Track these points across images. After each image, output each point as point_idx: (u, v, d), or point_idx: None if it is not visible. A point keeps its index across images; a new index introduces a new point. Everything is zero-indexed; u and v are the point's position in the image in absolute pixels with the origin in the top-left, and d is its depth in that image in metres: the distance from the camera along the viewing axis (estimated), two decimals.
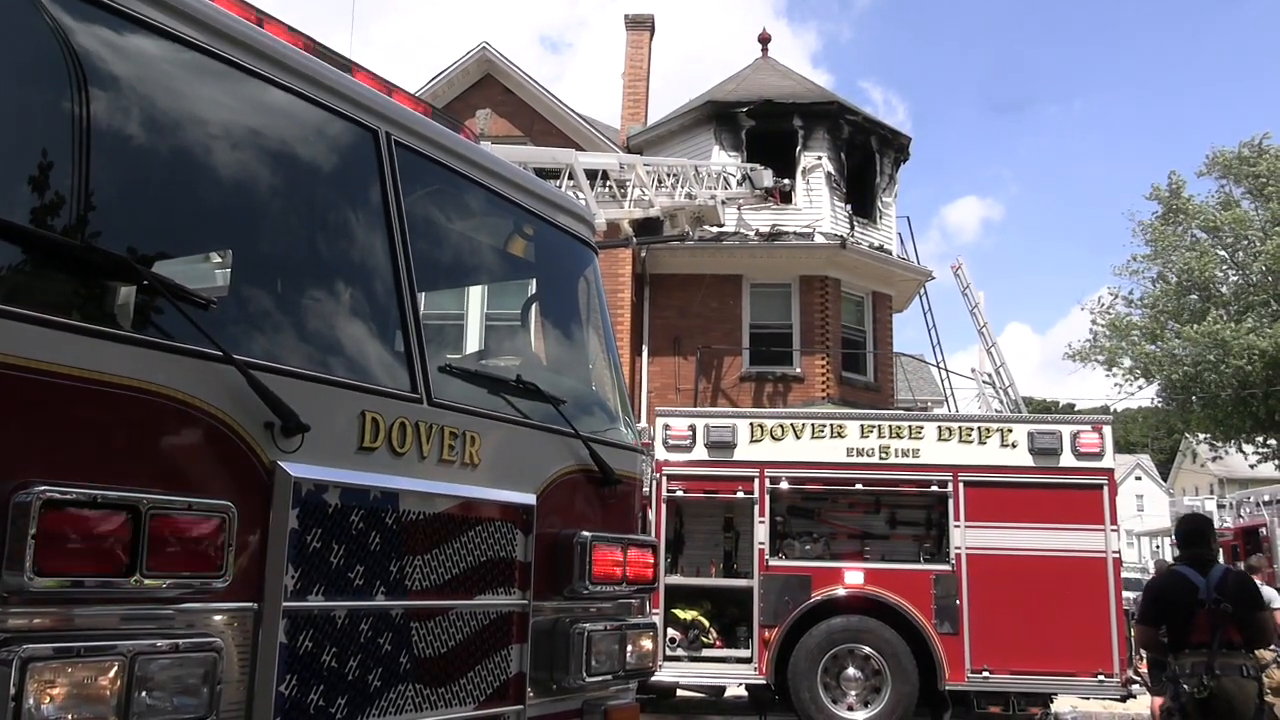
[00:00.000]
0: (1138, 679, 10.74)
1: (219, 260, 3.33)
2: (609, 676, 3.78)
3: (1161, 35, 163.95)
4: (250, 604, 2.60)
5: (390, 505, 3.00)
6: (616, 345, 5.06)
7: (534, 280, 4.89)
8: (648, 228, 19.77)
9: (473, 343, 9.73)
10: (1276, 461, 42.21)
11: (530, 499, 3.56)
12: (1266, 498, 23.73)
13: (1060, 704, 10.57)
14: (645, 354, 20.64)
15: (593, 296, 4.65)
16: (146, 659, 2.27)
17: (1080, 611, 10.60)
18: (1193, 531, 6.32)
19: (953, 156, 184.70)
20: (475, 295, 12.46)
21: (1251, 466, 46.48)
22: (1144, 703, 10.93)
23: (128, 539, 2.28)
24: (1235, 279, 39.75)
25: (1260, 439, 41.05)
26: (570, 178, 15.45)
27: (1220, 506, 26.11)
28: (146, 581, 2.31)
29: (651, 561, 4.13)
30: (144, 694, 2.25)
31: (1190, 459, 68.66)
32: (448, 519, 3.21)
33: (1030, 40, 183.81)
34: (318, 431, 2.79)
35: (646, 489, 10.67)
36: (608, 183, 17.20)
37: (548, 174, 14.13)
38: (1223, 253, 39.67)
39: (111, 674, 2.20)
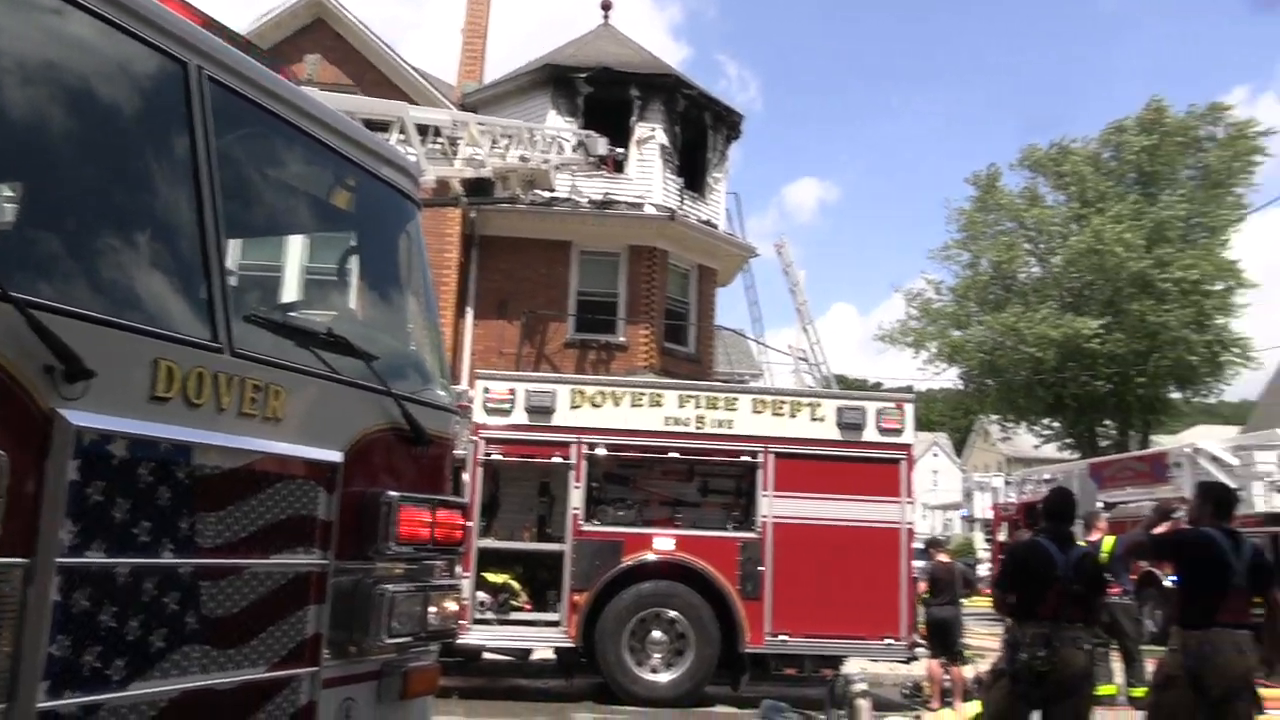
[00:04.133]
0: (921, 643, 11.41)
1: (4, 193, 3.09)
2: (409, 638, 3.74)
3: (1006, 28, 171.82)
4: (21, 559, 2.44)
5: (183, 459, 2.87)
6: (438, 305, 4.99)
7: (354, 233, 4.74)
8: (478, 188, 19.45)
9: (287, 294, 9.38)
10: (1058, 443, 45.43)
11: (336, 456, 3.47)
12: (1047, 476, 25.55)
13: (850, 666, 11.10)
14: (470, 316, 20.39)
15: (414, 253, 4.55)
16: None
17: (874, 579, 11.18)
18: (1059, 506, 6.53)
19: (797, 137, 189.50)
20: (292, 246, 12.03)
21: (1036, 447, 49.89)
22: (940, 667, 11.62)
23: None
24: (1036, 271, 42.37)
25: (1046, 421, 44.09)
26: (400, 131, 15.05)
27: (1007, 483, 27.93)
28: None
29: (460, 523, 4.10)
30: None
31: (983, 438, 73.18)
32: (246, 475, 3.10)
33: (885, 28, 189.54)
34: (105, 378, 2.63)
35: (462, 451, 10.59)
36: (439, 139, 16.82)
37: (377, 126, 13.70)
38: (1027, 245, 42.21)
39: None
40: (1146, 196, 39.93)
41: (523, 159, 18.08)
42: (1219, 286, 38.70)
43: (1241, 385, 66.98)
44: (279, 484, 3.23)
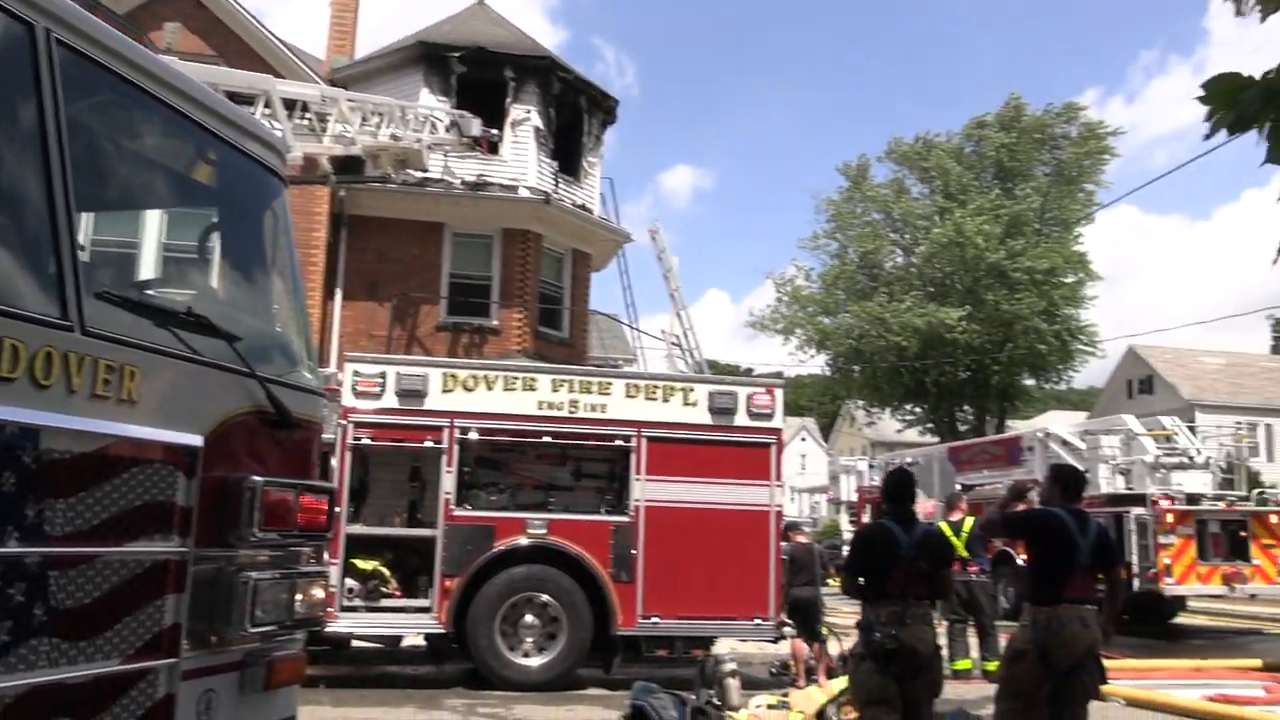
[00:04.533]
0: (789, 622, 11.69)
1: None
2: (274, 627, 3.64)
3: (879, 21, 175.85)
4: None
5: (29, 442, 2.72)
6: (305, 285, 4.85)
7: (216, 210, 4.57)
8: (348, 166, 19.01)
9: (145, 272, 8.99)
10: (920, 427, 47.10)
11: (196, 440, 3.34)
12: (909, 459, 26.41)
13: (721, 646, 11.29)
14: (338, 297, 19.92)
15: (280, 232, 4.42)
16: None
17: (743, 560, 11.38)
18: (900, 487, 6.65)
19: (673, 124, 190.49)
20: (150, 221, 11.53)
21: (899, 431, 51.66)
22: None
23: None
24: (900, 262, 43.75)
25: (908, 407, 45.66)
26: (266, 106, 14.58)
27: (871, 466, 28.76)
28: None
29: (327, 509, 4.01)
30: None
31: (849, 423, 75.30)
32: (99, 459, 2.96)
33: (761, 18, 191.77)
34: None
35: (330, 436, 10.36)
36: (307, 115, 16.36)
37: (241, 100, 13.25)
38: (893, 235, 43.53)
39: None
40: (1005, 191, 41.66)
41: (394, 138, 17.73)
42: (1069, 279, 40.66)
43: (1089, 373, 70.57)
44: (134, 469, 3.10)
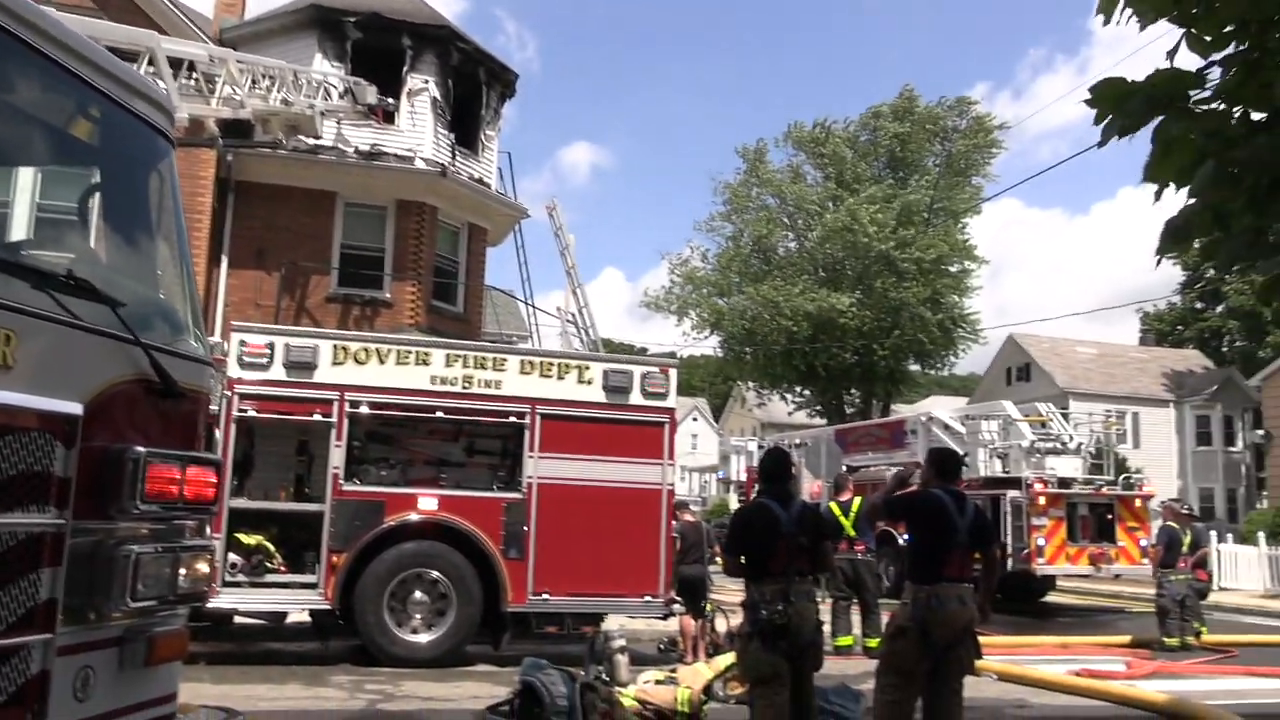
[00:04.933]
0: (678, 600, 11.83)
1: None
2: (155, 601, 3.53)
3: (780, 4, 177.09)
4: None
5: None
6: (191, 251, 4.68)
7: (98, 169, 4.38)
8: (236, 130, 18.43)
9: (18, 232, 8.57)
10: (809, 409, 48.02)
11: (75, 408, 3.21)
12: (798, 440, 26.93)
13: (610, 622, 11.36)
14: (224, 265, 19.32)
15: (166, 195, 4.25)
16: None
17: (635, 538, 11.46)
18: (776, 466, 6.76)
19: (573, 100, 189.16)
20: (25, 179, 10.99)
21: (790, 414, 52.54)
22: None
23: None
24: (793, 247, 44.43)
25: (799, 390, 46.50)
26: (150, 64, 14.00)
27: (760, 447, 29.16)
28: None
29: (213, 482, 3.89)
30: None
31: (740, 404, 76.26)
32: None
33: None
34: None
35: (215, 407, 10.07)
36: (194, 76, 15.77)
37: (124, 56, 12.69)
38: (787, 220, 44.16)
39: None
40: (897, 180, 42.61)
41: (285, 102, 17.24)
42: (955, 268, 41.88)
43: (970, 359, 72.83)
44: (8, 437, 2.96)
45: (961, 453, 20.42)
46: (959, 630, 6.41)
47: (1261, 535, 27.03)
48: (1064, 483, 19.30)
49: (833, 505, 13.08)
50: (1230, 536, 29.37)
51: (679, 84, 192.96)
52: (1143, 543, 19.18)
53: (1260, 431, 37.31)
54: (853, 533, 13.22)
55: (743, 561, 6.43)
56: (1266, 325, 48.50)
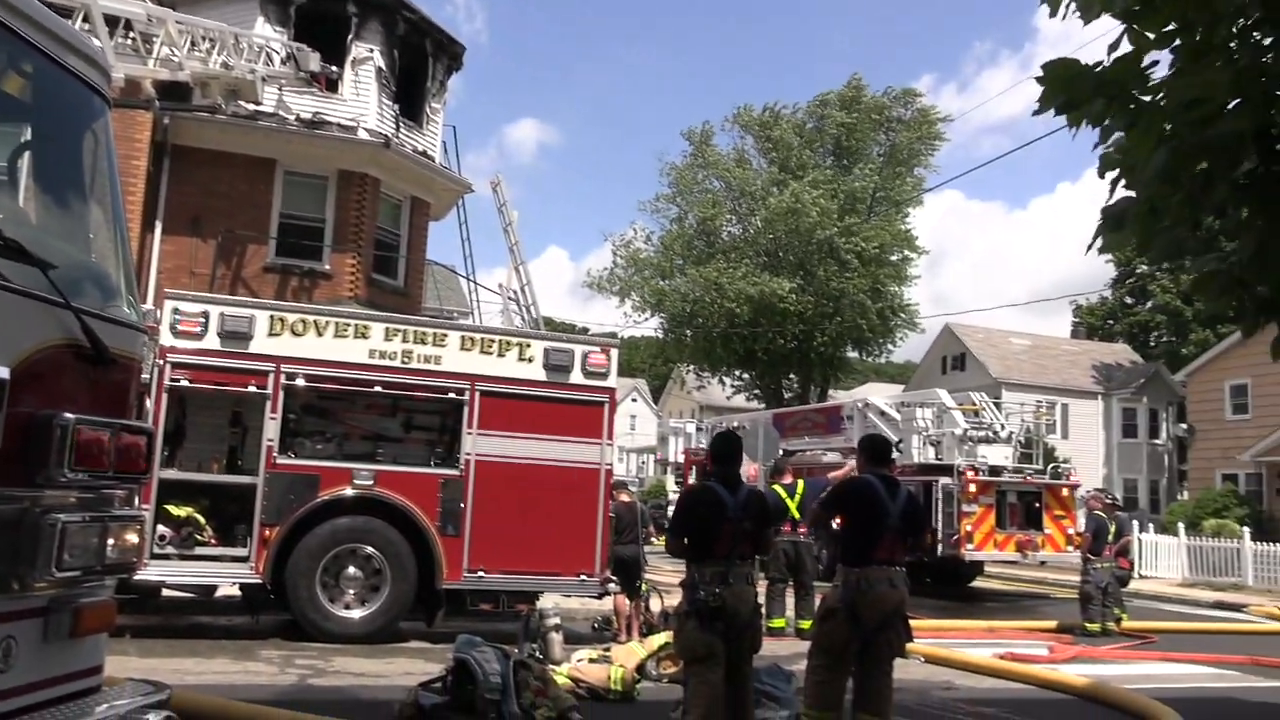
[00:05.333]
0: (613, 579, 11.87)
1: None
2: (82, 572, 3.45)
3: None
4: None
5: None
6: (125, 215, 4.56)
7: (28, 127, 4.24)
8: (174, 93, 18.00)
9: None
10: (748, 393, 48.37)
11: (1, 372, 3.12)
12: (736, 423, 27.09)
13: (545, 601, 11.36)
14: (159, 231, 18.85)
15: (101, 156, 4.14)
16: None
17: (572, 517, 11.47)
18: (726, 450, 6.77)
19: (522, 76, 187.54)
20: None
21: (728, 397, 52.88)
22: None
23: None
24: (737, 231, 44.60)
25: (738, 373, 46.79)
26: (85, 20, 13.61)
27: (699, 429, 29.35)
28: None
29: (143, 451, 3.81)
30: None
31: (679, 386, 76.57)
32: None
33: None
34: None
35: (147, 375, 9.87)
36: (131, 35, 15.38)
37: (59, 11, 12.30)
38: (730, 204, 44.31)
39: None
40: (841, 168, 42.93)
41: (226, 66, 16.87)
42: (895, 257, 42.37)
43: (907, 348, 73.85)
44: None
45: (896, 439, 20.84)
46: (888, 612, 6.51)
47: (1181, 526, 27.86)
48: (994, 471, 19.69)
49: (779, 489, 13.20)
50: (1152, 526, 30.24)
51: (629, 64, 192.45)
52: (1069, 530, 19.65)
53: (1184, 425, 38.36)
54: (797, 515, 13.39)
55: (686, 543, 6.48)
56: (1189, 324, 49.81)
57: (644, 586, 12.34)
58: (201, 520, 10.72)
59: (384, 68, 20.78)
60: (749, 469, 23.20)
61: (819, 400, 41.01)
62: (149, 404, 10.26)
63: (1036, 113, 2.99)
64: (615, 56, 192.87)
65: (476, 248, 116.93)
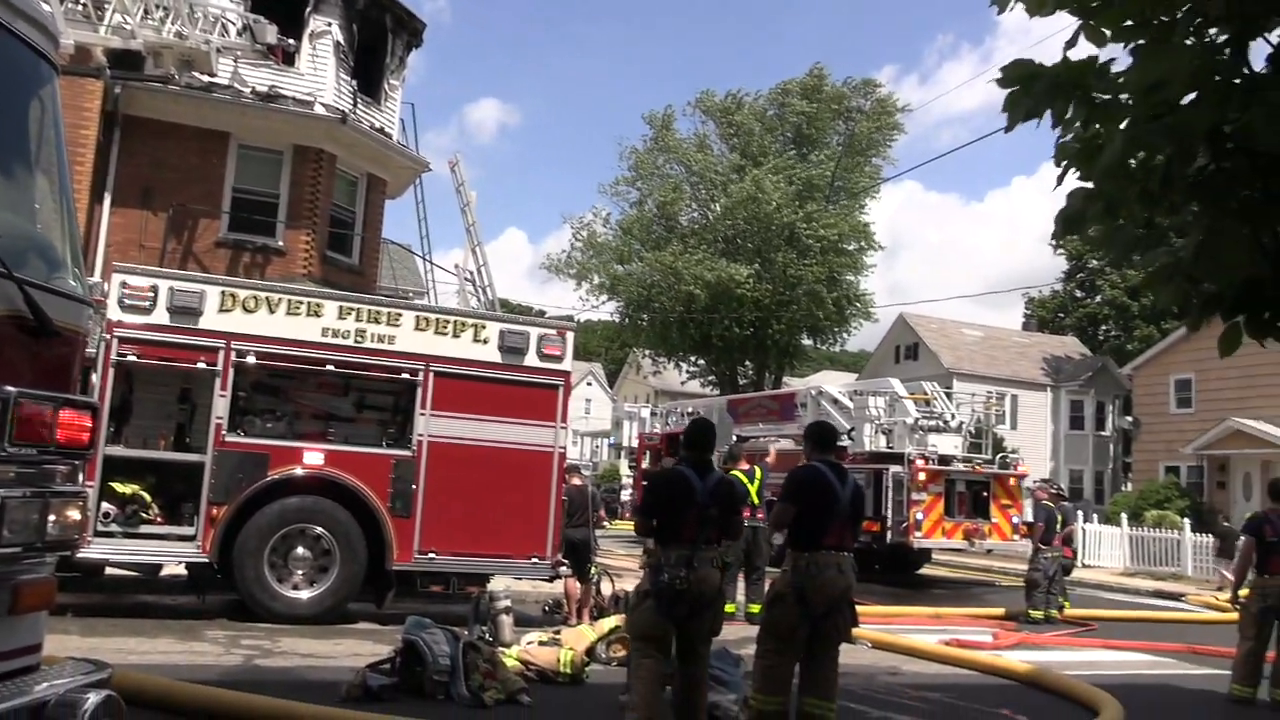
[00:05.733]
0: (565, 562, 11.87)
1: None
2: (21, 548, 3.39)
3: None
4: None
5: None
6: (72, 186, 4.46)
7: None
8: (126, 62, 17.62)
9: None
10: (702, 379, 48.53)
11: None
12: (690, 409, 27.19)
13: (496, 583, 11.36)
14: (108, 203, 18.48)
15: (48, 124, 4.05)
16: None
17: (524, 500, 11.44)
18: (699, 435, 6.86)
19: (484, 55, 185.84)
20: None
21: (683, 383, 53.00)
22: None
23: None
24: (696, 216, 44.65)
25: (693, 359, 46.92)
26: None
27: (653, 414, 29.38)
28: None
29: (87, 426, 3.74)
30: None
31: (635, 370, 76.67)
32: None
33: None
34: None
35: (93, 350, 9.69)
36: (81, 1, 15.02)
37: None
38: (690, 190, 44.33)
39: None
40: (801, 156, 43.09)
41: (180, 36, 16.56)
42: (852, 246, 42.66)
43: (861, 336, 74.46)
44: None
45: (848, 427, 21.02)
46: (836, 598, 6.59)
47: (1124, 516, 28.40)
48: (944, 460, 19.93)
49: (739, 474, 13.25)
50: (1096, 517, 30.80)
51: (593, 45, 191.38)
52: (1015, 519, 19.95)
53: (1129, 418, 39.05)
54: (756, 500, 13.48)
55: (655, 525, 6.52)
56: (1135, 319, 50.66)
57: (594, 570, 12.36)
58: (147, 498, 10.56)
59: (342, 42, 20.50)
60: None
61: (773, 387, 41.26)
62: (95, 379, 10.09)
63: (1008, 129, 3.01)
64: (579, 36, 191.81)
65: (434, 228, 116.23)
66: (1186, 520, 26.78)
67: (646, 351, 50.31)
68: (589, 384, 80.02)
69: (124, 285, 10.38)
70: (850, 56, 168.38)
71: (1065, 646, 13.00)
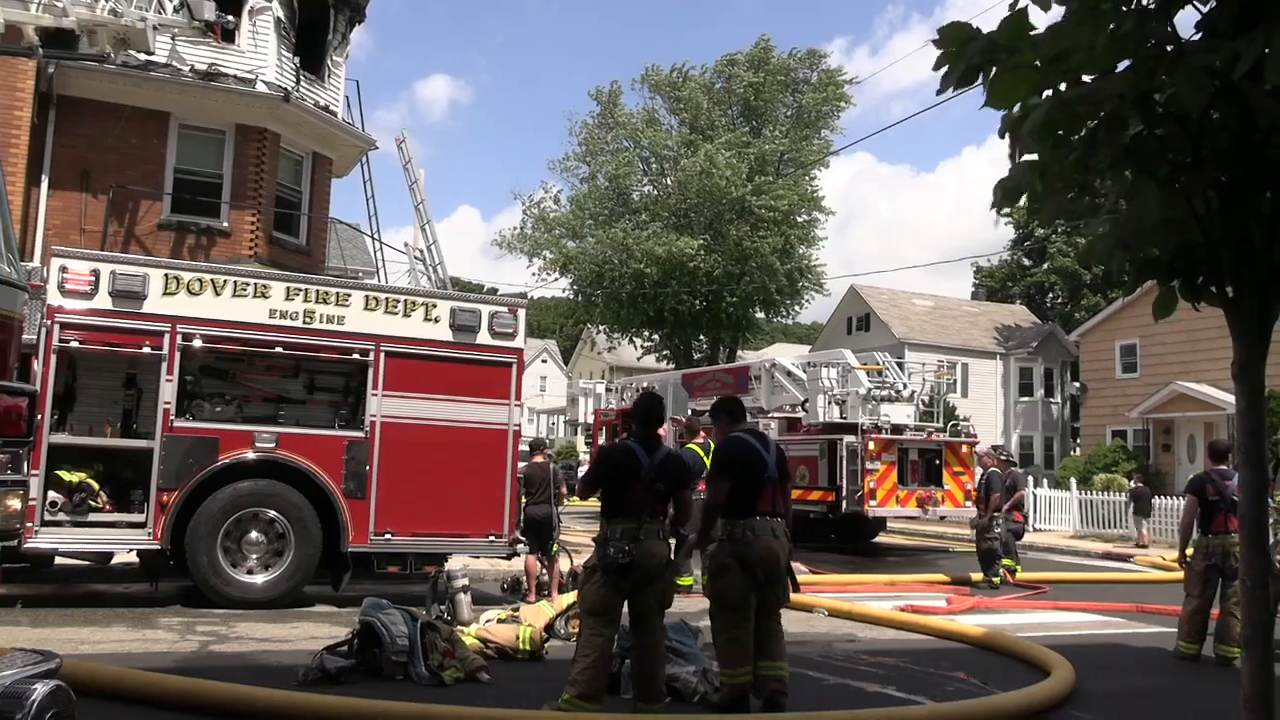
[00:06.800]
0: (523, 540, 11.88)
1: None
2: None
3: None
4: None
5: None
6: (5, 169, 4.35)
7: None
8: (60, 40, 17.19)
9: None
10: (657, 354, 48.60)
11: None
12: (645, 384, 27.20)
13: (453, 562, 11.35)
14: (45, 186, 18.08)
15: None
16: None
17: (480, 478, 11.42)
18: (647, 411, 6.91)
19: (434, 30, 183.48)
20: None
21: (639, 358, 53.04)
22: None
23: None
24: (648, 190, 44.55)
25: (647, 334, 46.95)
26: None
27: (609, 390, 29.38)
28: None
29: (24, 413, 3.67)
30: None
31: (590, 347, 76.58)
32: None
33: None
34: None
35: (32, 336, 9.51)
36: None
37: None
38: (641, 164, 44.20)
39: None
40: (751, 129, 43.09)
41: (114, 13, 16.18)
42: (803, 218, 42.81)
43: (813, 309, 74.98)
44: None
45: (802, 398, 21.18)
46: (774, 562, 6.73)
47: (1074, 481, 28.92)
48: (897, 429, 20.15)
49: (695, 447, 13.23)
50: (1046, 482, 31.33)
51: (545, 20, 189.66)
52: (968, 486, 20.24)
53: (1077, 384, 39.71)
54: None
55: (600, 497, 6.61)
56: (1083, 287, 51.40)
57: (555, 547, 12.37)
58: (95, 486, 10.41)
59: (283, 19, 20.14)
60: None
61: (727, 361, 41.41)
62: (37, 366, 9.89)
63: (940, 92, 3.01)
64: (529, 11, 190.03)
65: (383, 206, 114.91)
66: (1132, 483, 27.34)
67: (601, 328, 50.21)
68: (544, 361, 79.86)
69: (64, 270, 10.17)
70: (800, 29, 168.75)
71: (1018, 609, 13.24)
